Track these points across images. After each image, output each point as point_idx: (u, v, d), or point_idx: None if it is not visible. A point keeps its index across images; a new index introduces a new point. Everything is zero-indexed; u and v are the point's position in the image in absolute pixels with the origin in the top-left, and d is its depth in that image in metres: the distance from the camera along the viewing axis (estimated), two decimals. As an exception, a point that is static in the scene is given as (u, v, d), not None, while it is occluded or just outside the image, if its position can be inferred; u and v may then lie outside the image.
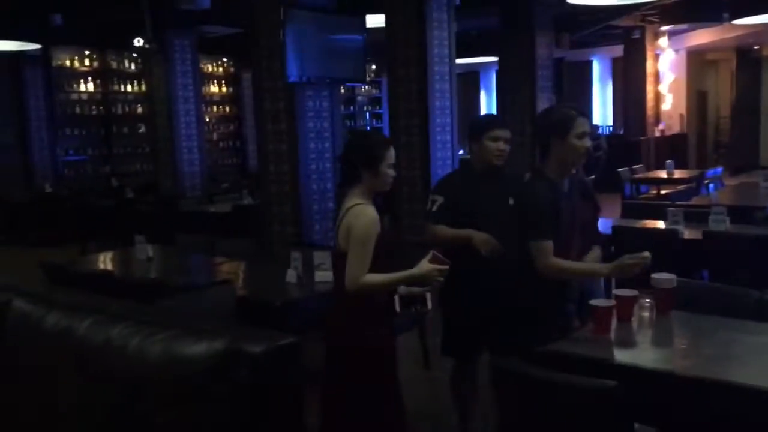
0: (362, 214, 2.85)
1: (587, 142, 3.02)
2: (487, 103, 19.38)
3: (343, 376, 2.93)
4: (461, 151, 9.96)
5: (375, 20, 7.92)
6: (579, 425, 2.29)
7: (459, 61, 13.48)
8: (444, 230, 3.40)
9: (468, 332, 3.52)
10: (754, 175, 13.89)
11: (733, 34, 13.74)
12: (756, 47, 16.53)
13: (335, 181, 6.67)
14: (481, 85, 19.49)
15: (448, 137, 7.78)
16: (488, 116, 4.24)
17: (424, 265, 2.80)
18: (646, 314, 3.05)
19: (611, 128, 17.23)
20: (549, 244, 2.94)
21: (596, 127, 15.82)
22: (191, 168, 11.37)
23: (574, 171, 3.13)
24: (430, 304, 3.01)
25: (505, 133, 3.44)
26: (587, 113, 3.24)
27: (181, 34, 10.85)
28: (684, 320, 3.03)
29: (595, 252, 3.20)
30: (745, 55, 16.78)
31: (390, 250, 2.94)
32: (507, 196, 3.25)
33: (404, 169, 7.48)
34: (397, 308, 2.94)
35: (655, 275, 3.05)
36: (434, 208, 3.45)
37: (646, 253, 2.82)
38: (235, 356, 1.89)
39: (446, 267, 2.80)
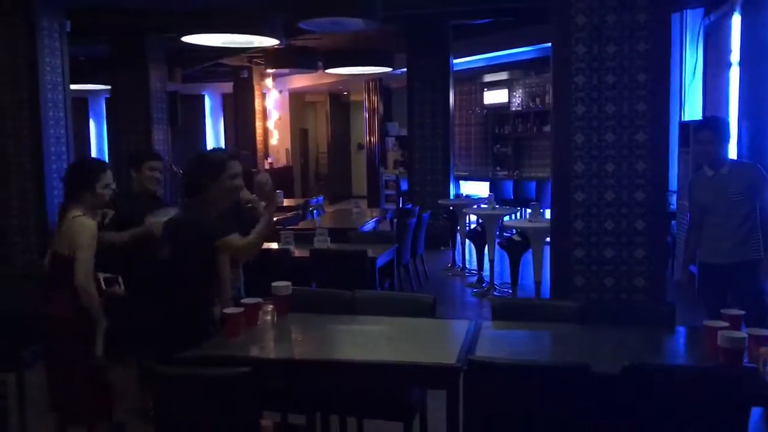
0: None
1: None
2: (97, 132, 18.73)
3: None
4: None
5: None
6: (221, 410, 2.69)
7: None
8: (113, 235, 4.11)
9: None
10: (348, 203, 16.04)
11: (326, 80, 15.68)
12: (345, 93, 19.05)
13: None
14: (90, 113, 18.76)
15: (64, 165, 7.53)
16: (145, 150, 5.98)
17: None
18: (269, 317, 3.61)
19: (224, 160, 18.01)
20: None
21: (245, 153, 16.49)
22: None
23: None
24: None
25: (158, 164, 4.34)
26: (236, 155, 3.82)
27: None
28: (299, 319, 3.66)
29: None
30: (336, 98, 19.20)
31: None
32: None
33: (15, 199, 7.09)
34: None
35: (274, 284, 3.64)
36: (106, 221, 4.16)
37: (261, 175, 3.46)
38: None
39: None
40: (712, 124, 4.46)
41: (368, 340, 3.37)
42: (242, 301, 3.55)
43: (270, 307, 3.65)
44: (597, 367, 2.70)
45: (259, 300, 3.56)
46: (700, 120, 6.63)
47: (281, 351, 3.29)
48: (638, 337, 3.28)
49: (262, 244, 3.55)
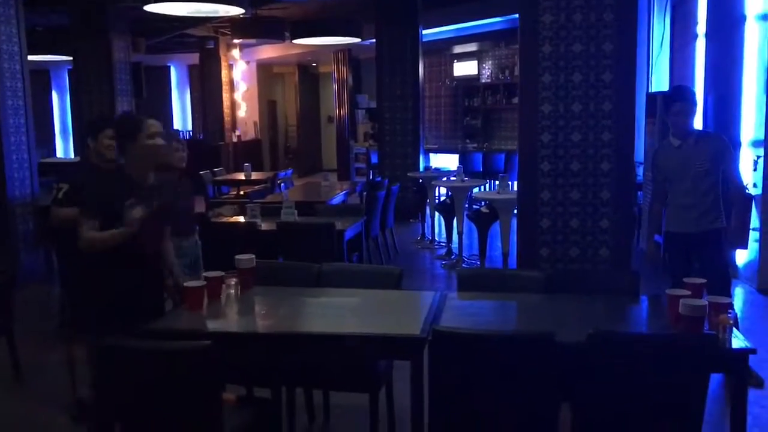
0: None
1: (159, 141, 3.32)
2: (60, 105, 18.32)
3: None
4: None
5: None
6: (180, 385, 2.64)
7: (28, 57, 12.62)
8: (66, 211, 3.83)
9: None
10: (318, 176, 15.91)
11: (294, 51, 15.47)
12: (314, 64, 18.81)
13: None
14: (53, 85, 18.33)
15: (24, 138, 7.35)
16: (103, 118, 5.02)
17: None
18: (232, 291, 3.56)
19: (191, 133, 17.81)
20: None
21: (177, 131, 16.22)
22: None
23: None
24: None
25: None
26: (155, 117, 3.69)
27: None
28: (264, 292, 3.61)
29: None
30: (305, 70, 18.96)
31: None
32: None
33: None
34: None
35: (237, 257, 3.58)
36: (60, 195, 4.01)
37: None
38: None
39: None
40: (684, 95, 4.47)
41: (333, 312, 3.33)
42: (204, 274, 3.49)
43: (233, 281, 3.60)
44: (561, 335, 2.70)
45: (222, 273, 3.50)
46: (670, 91, 6.66)
47: (244, 324, 3.25)
48: (603, 307, 3.30)
49: (112, 244, 3.16)
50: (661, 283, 4.22)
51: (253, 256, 3.62)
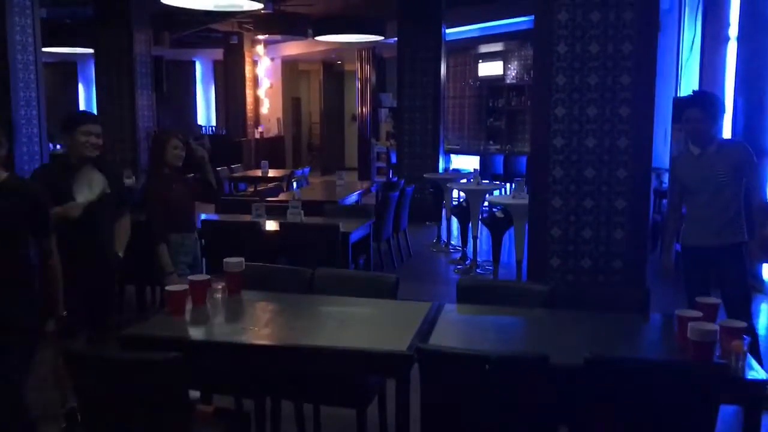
0: None
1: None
2: (86, 97, 18.38)
3: None
4: (59, 146, 9.33)
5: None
6: (146, 396, 2.49)
7: (52, 50, 12.66)
8: None
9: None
10: (337, 174, 15.74)
11: (319, 48, 15.35)
12: (339, 62, 18.67)
13: None
14: (80, 77, 18.40)
15: (36, 130, 7.29)
16: (80, 112, 4.63)
17: None
18: (219, 296, 3.40)
19: (214, 128, 17.79)
20: None
21: (200, 126, 16.21)
22: None
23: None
24: None
25: (95, 128, 3.71)
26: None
27: None
28: (252, 298, 3.45)
29: None
30: (330, 67, 18.82)
31: None
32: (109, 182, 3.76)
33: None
34: None
35: (225, 260, 3.42)
36: None
37: None
38: None
39: None
40: (701, 100, 4.21)
41: (321, 323, 3.16)
42: (189, 278, 3.33)
43: (220, 285, 3.44)
44: (559, 357, 2.50)
45: (208, 277, 3.35)
46: (688, 96, 6.38)
47: (227, 333, 3.07)
48: (608, 325, 3.08)
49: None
50: (678, 299, 3.98)
51: (242, 259, 3.46)
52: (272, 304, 3.37)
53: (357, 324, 3.11)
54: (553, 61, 4.27)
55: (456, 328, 3.06)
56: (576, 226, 4.37)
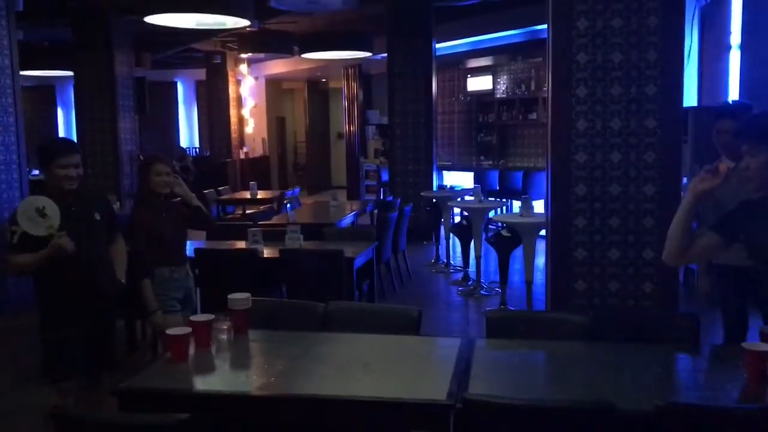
0: None
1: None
2: (65, 120, 17.97)
3: None
4: (36, 172, 8.94)
5: None
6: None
7: (29, 73, 12.27)
8: (25, 258, 3.27)
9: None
10: (327, 194, 15.45)
11: (303, 66, 15.08)
12: (323, 80, 18.41)
13: None
14: (58, 101, 17.99)
15: (14, 157, 6.91)
16: (55, 144, 3.71)
17: None
18: (224, 337, 3.06)
19: (198, 150, 17.43)
20: None
21: (183, 149, 15.83)
22: None
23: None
24: None
25: (74, 159, 3.37)
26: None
27: None
28: (260, 338, 3.11)
29: None
30: (315, 85, 18.56)
31: None
32: (92, 212, 3.45)
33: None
34: None
35: (230, 296, 3.09)
36: (15, 240, 3.28)
37: None
38: None
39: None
40: (736, 112, 3.95)
41: (340, 366, 2.81)
42: (192, 318, 3.00)
43: (225, 325, 3.11)
44: (619, 402, 2.19)
45: (211, 316, 3.01)
46: (721, 106, 6.15)
47: (236, 382, 2.73)
48: (658, 360, 2.77)
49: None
50: (715, 326, 3.71)
51: (249, 295, 3.13)
52: (285, 346, 3.02)
53: (382, 366, 2.78)
54: (573, 72, 4.00)
55: (495, 370, 2.73)
56: (602, 246, 4.09)
